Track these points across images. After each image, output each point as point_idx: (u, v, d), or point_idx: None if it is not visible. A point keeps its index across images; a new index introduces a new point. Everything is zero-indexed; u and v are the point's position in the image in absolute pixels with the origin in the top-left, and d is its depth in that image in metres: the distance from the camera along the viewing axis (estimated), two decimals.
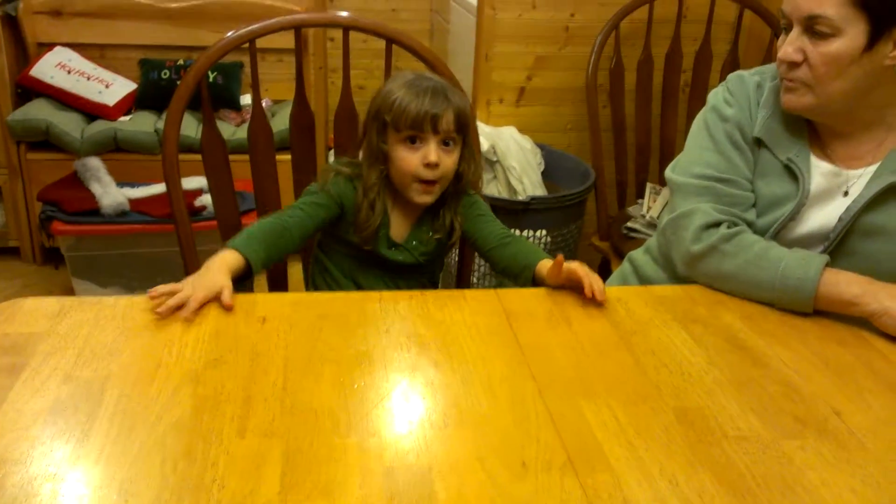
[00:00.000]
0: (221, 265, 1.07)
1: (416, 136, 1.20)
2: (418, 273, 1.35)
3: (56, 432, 0.78)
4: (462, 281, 1.52)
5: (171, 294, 1.01)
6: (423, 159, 1.20)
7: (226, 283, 1.04)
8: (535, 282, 1.19)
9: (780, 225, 1.17)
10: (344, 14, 1.43)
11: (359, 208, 1.24)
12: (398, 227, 1.30)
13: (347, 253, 1.31)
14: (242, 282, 1.11)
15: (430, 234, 1.30)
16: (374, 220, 1.24)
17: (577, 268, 1.09)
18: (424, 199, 1.24)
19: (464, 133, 1.24)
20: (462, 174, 1.26)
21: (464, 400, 0.86)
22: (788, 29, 1.13)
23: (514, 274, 1.24)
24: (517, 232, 2.07)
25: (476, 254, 1.38)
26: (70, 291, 2.54)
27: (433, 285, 1.39)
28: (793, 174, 1.18)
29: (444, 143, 1.21)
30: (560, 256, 1.11)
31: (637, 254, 1.40)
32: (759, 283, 1.10)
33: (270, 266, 1.28)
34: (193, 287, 1.02)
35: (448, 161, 1.22)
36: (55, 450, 0.75)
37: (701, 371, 0.95)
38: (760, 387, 0.92)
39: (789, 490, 0.76)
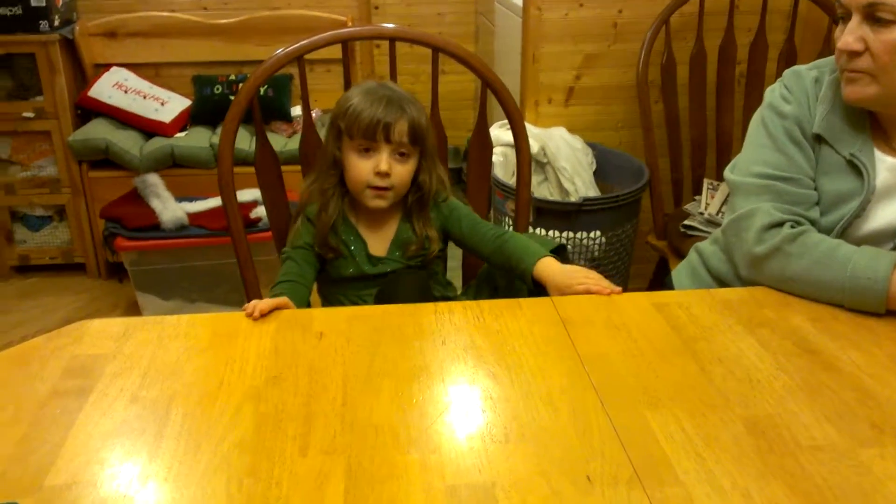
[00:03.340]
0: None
1: (369, 146, 1.22)
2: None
3: (124, 454, 0.79)
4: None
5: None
6: (375, 167, 1.22)
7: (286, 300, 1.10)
8: (536, 284, 1.19)
9: (846, 222, 1.13)
10: (390, 26, 1.44)
11: (323, 226, 1.27)
12: (376, 244, 1.31)
13: (345, 284, 1.32)
14: None
15: (412, 246, 1.30)
16: (328, 219, 1.26)
17: (590, 285, 1.12)
18: (378, 203, 1.25)
19: (420, 145, 1.25)
20: (422, 185, 1.28)
21: (524, 413, 0.85)
22: (846, 18, 1.08)
23: (516, 275, 1.24)
24: (570, 234, 2.05)
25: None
26: (134, 304, 2.61)
27: (446, 283, 1.40)
28: (857, 170, 1.13)
29: (399, 153, 1.23)
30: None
31: (704, 245, 1.36)
32: (827, 285, 1.06)
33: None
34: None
35: (401, 171, 1.23)
36: (124, 471, 0.77)
37: (770, 377, 0.91)
38: (833, 392, 0.89)
39: (869, 501, 0.72)
